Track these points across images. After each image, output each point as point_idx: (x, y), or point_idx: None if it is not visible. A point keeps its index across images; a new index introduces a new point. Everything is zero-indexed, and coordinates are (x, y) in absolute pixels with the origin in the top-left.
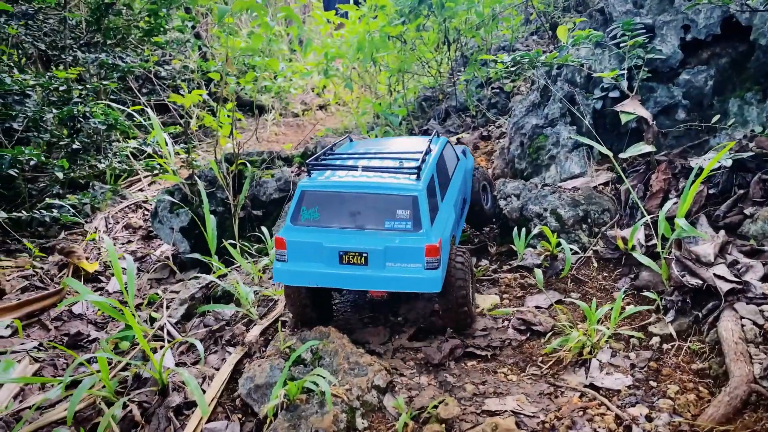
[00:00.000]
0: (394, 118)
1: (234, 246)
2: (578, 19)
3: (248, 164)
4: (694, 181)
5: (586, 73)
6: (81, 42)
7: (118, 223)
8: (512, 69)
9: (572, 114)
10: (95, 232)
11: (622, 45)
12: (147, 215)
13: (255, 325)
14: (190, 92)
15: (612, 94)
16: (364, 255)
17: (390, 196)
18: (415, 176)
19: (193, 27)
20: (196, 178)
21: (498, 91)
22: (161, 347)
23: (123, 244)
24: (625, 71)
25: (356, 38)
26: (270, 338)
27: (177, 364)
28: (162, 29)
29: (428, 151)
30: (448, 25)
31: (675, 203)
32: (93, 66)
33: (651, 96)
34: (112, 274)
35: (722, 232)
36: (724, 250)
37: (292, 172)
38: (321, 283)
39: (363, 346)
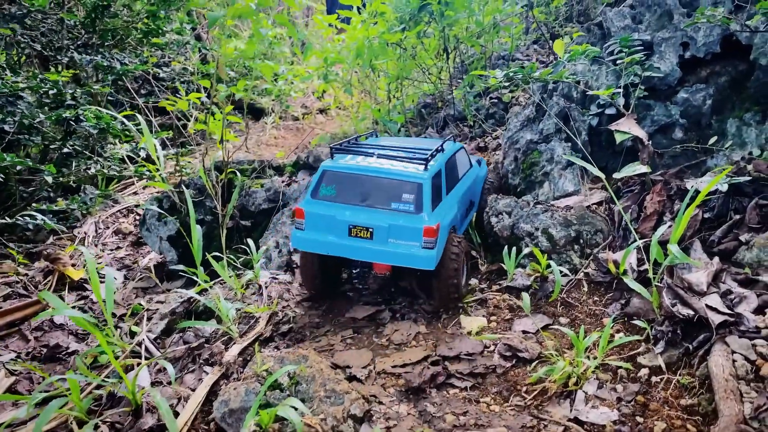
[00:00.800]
0: (392, 125)
1: (219, 259)
2: (576, 33)
3: (238, 173)
4: (689, 205)
5: (583, 88)
6: (78, 43)
7: (108, 228)
8: (506, 84)
9: (567, 131)
10: (84, 238)
11: (618, 62)
12: (138, 220)
13: (234, 343)
14: (188, 94)
15: (608, 111)
16: (370, 230)
17: (398, 180)
18: (423, 167)
19: (194, 29)
20: (183, 187)
21: (496, 101)
22: (139, 364)
23: (112, 250)
24: (621, 89)
25: (355, 44)
26: (249, 358)
27: (153, 384)
28: (160, 31)
29: (440, 149)
30: (448, 33)
31: (669, 226)
32: (88, 68)
33: (648, 114)
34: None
35: (716, 259)
36: (717, 278)
37: (282, 182)
38: (331, 251)
39: (344, 370)
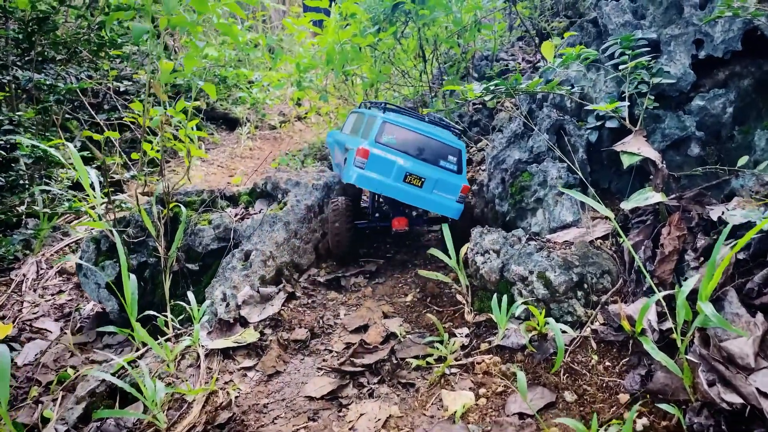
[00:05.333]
0: None
1: (154, 317)
2: (567, 33)
3: (183, 207)
4: (722, 249)
5: (579, 97)
6: (27, 58)
7: (52, 267)
8: (487, 99)
9: (562, 147)
10: (22, 281)
11: (621, 66)
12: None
13: None
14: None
15: (609, 124)
16: (422, 180)
17: (445, 144)
18: (459, 138)
19: (158, 36)
20: (114, 231)
21: (480, 107)
22: None
23: (53, 294)
24: (626, 99)
25: (325, 49)
26: None
27: None
28: (115, 43)
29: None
30: (424, 34)
31: (695, 268)
32: (28, 86)
33: (657, 127)
34: (30, 339)
35: (760, 317)
36: (765, 342)
37: (235, 215)
38: (386, 192)
39: None
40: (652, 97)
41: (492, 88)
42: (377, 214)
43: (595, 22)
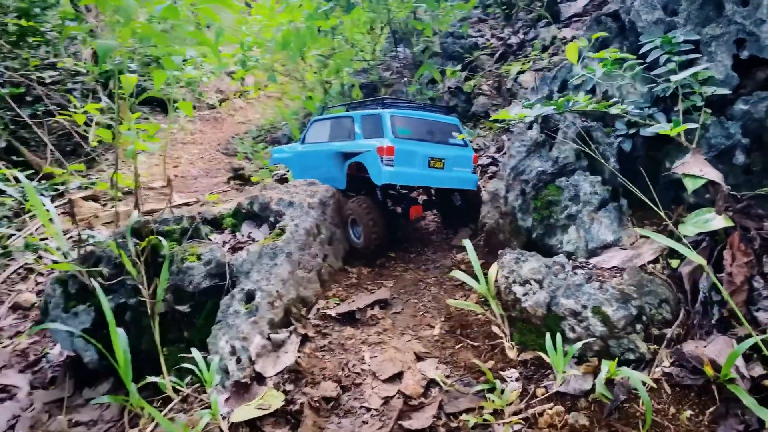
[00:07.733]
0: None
1: (140, 375)
2: (596, 34)
3: (163, 239)
4: None
5: (601, 96)
6: None
7: (3, 302)
8: (530, 121)
9: (588, 155)
10: None
11: (662, 74)
12: (44, 284)
13: None
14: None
15: (645, 132)
16: (443, 160)
17: (446, 122)
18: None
19: (82, 21)
20: (85, 275)
21: (455, 90)
22: None
23: (10, 338)
24: (670, 105)
25: (278, 31)
26: None
27: None
28: (37, 32)
29: None
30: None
31: None
32: None
33: (702, 135)
34: None
35: None
36: None
37: (224, 243)
38: (416, 182)
39: None
40: (709, 111)
41: (540, 113)
42: (390, 204)
43: (615, 16)
